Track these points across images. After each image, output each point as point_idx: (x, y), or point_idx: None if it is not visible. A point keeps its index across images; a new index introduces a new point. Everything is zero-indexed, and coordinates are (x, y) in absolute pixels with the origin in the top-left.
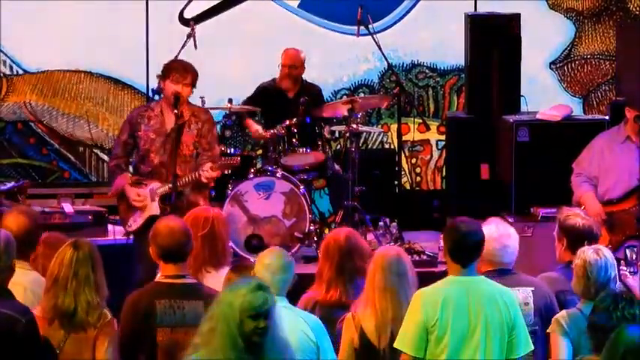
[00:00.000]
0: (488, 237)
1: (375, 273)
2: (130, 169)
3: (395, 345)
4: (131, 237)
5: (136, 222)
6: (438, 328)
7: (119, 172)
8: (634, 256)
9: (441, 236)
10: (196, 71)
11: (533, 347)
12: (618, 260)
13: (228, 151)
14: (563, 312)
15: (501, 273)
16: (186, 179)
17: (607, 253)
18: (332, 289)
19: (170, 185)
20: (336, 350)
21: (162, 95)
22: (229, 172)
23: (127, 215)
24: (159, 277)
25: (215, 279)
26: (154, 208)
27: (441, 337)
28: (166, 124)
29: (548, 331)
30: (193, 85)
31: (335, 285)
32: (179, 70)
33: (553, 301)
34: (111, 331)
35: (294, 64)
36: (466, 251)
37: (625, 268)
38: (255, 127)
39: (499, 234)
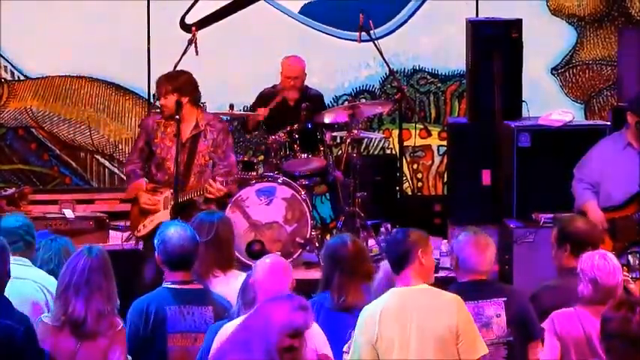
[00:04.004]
0: (465, 245)
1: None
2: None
3: None
4: (139, 243)
5: (145, 227)
6: (381, 343)
7: (134, 178)
8: (637, 262)
9: (444, 242)
10: (174, 76)
11: (487, 350)
12: (621, 266)
13: None
14: (557, 312)
15: (476, 283)
16: (196, 192)
17: (613, 257)
18: (343, 294)
19: (186, 197)
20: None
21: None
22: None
23: (137, 220)
24: (166, 284)
25: (223, 282)
26: (166, 216)
27: (387, 351)
28: (182, 133)
29: (542, 325)
30: (178, 90)
31: (347, 290)
32: (157, 86)
33: (529, 309)
34: (122, 339)
35: (296, 75)
36: (392, 260)
37: (628, 274)
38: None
39: (477, 243)
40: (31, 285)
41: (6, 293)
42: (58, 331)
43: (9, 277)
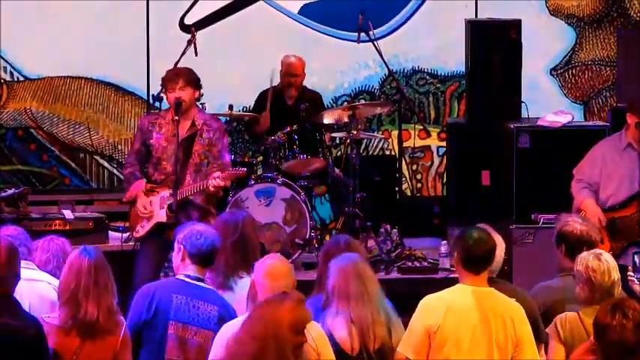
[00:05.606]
0: None
1: (338, 280)
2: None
3: (398, 349)
4: (137, 244)
5: (143, 228)
6: (439, 334)
7: (134, 180)
8: None
9: (443, 242)
10: (190, 72)
11: None
12: (625, 267)
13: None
14: (563, 315)
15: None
16: (194, 188)
17: (608, 257)
18: None
19: (177, 194)
20: None
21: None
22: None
23: (135, 222)
24: (179, 275)
25: (247, 284)
26: (161, 216)
27: (442, 344)
28: (179, 131)
29: (546, 330)
30: (192, 85)
31: None
32: (171, 78)
33: (536, 313)
34: (129, 339)
35: (296, 73)
36: (477, 259)
37: (633, 274)
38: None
39: None
40: (47, 286)
41: (26, 294)
42: (64, 332)
43: (19, 278)
